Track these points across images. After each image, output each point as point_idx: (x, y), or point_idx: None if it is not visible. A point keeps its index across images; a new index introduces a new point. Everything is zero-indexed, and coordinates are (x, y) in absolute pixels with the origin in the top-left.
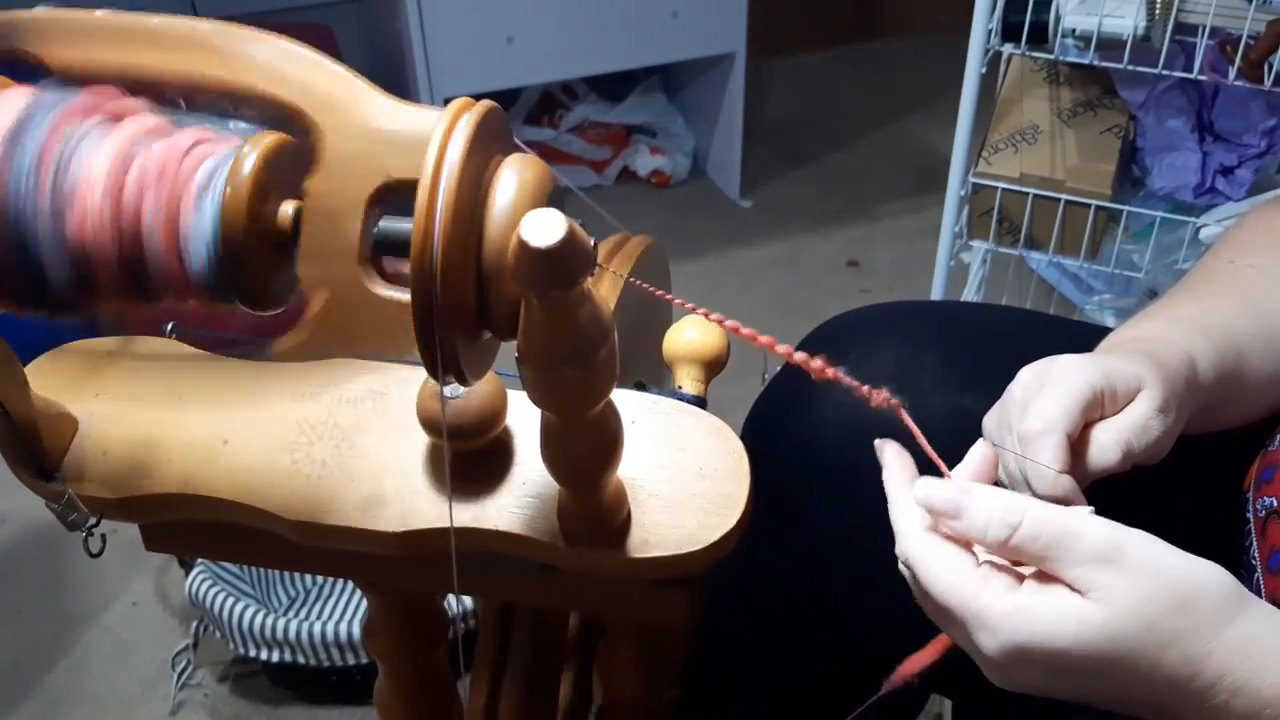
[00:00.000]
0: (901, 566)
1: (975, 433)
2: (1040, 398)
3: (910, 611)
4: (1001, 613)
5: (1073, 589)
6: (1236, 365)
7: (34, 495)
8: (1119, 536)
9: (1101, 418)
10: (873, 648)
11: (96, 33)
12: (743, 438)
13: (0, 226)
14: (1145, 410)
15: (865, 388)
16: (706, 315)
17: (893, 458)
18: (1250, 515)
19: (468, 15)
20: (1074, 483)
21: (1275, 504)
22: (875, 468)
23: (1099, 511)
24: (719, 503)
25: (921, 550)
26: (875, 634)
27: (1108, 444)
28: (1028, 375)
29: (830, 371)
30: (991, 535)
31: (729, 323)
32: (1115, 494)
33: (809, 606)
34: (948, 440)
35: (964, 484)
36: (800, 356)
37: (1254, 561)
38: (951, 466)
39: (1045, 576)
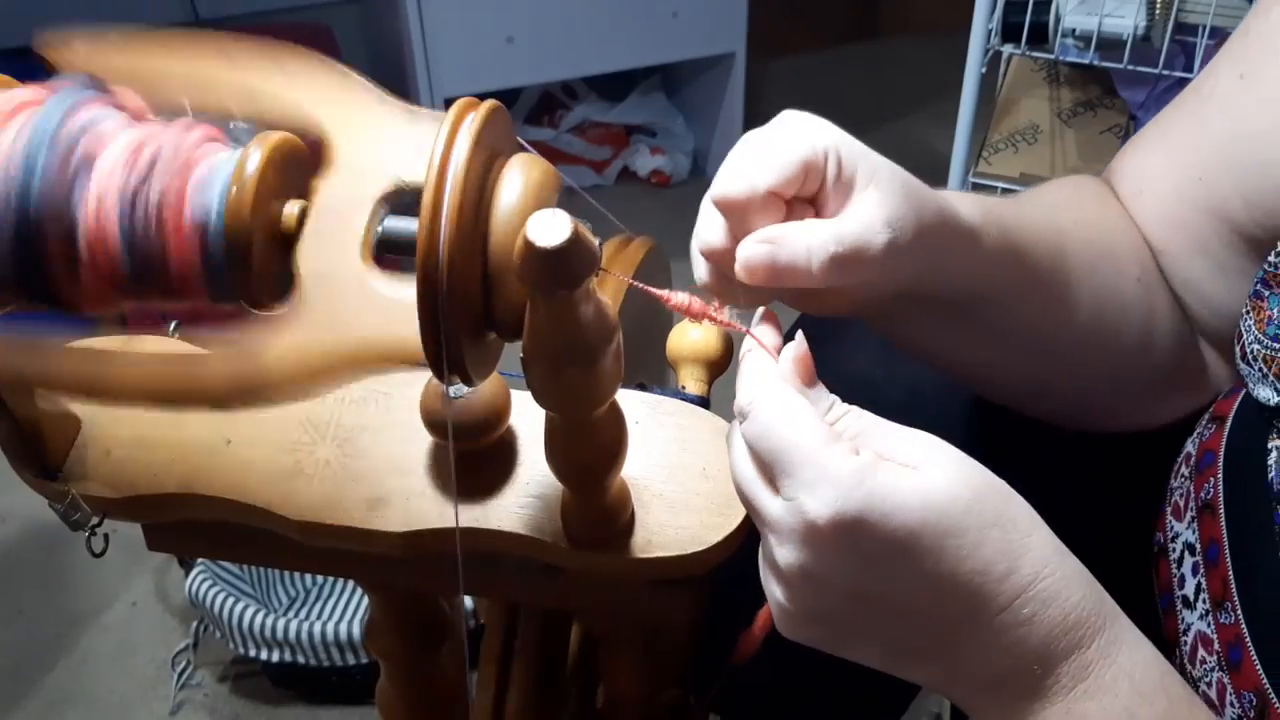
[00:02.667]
0: (741, 408)
1: (963, 406)
2: (751, 160)
3: None
4: (845, 468)
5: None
6: (1019, 271)
7: (34, 494)
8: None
9: (820, 195)
10: None
11: (104, 42)
12: None
13: (7, 222)
14: (873, 216)
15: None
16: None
17: (765, 332)
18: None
19: (468, 15)
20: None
21: (1161, 540)
22: None
23: None
24: (722, 503)
25: (773, 393)
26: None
27: (815, 247)
28: (753, 148)
29: (707, 310)
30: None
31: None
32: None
33: None
34: (936, 412)
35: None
36: (677, 300)
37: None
38: (928, 419)
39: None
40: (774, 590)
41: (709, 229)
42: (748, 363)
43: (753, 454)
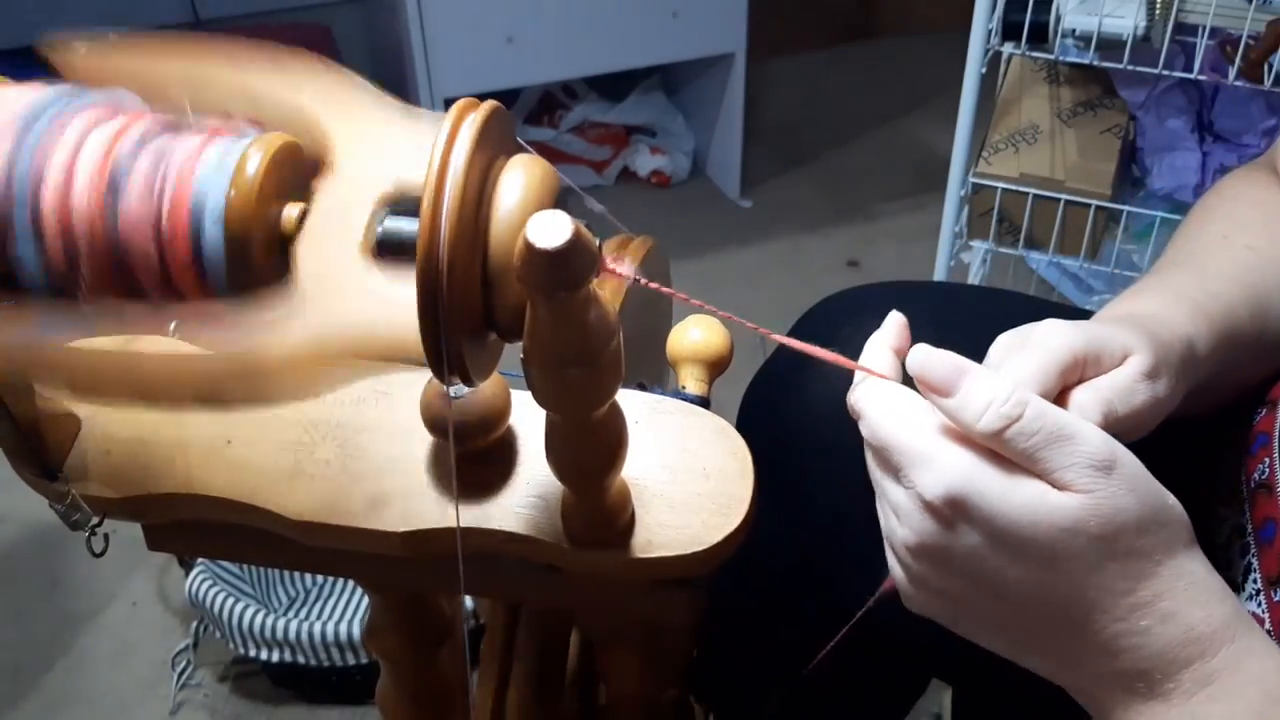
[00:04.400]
0: (852, 407)
1: None
2: (1014, 358)
3: None
4: (955, 457)
5: (1047, 481)
6: (1230, 352)
7: (34, 495)
8: (1115, 446)
9: (1081, 382)
10: (873, 617)
11: (106, 45)
12: (740, 415)
13: (4, 219)
14: (1131, 374)
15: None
16: (707, 309)
17: (891, 323)
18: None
19: (468, 15)
20: None
21: (1205, 525)
22: (863, 439)
23: None
24: (723, 503)
25: (877, 391)
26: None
27: (1087, 405)
28: (1006, 338)
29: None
30: (985, 423)
31: (726, 314)
32: None
33: (808, 579)
34: None
35: (963, 361)
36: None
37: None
38: None
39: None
40: (897, 569)
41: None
42: (864, 362)
43: (871, 448)
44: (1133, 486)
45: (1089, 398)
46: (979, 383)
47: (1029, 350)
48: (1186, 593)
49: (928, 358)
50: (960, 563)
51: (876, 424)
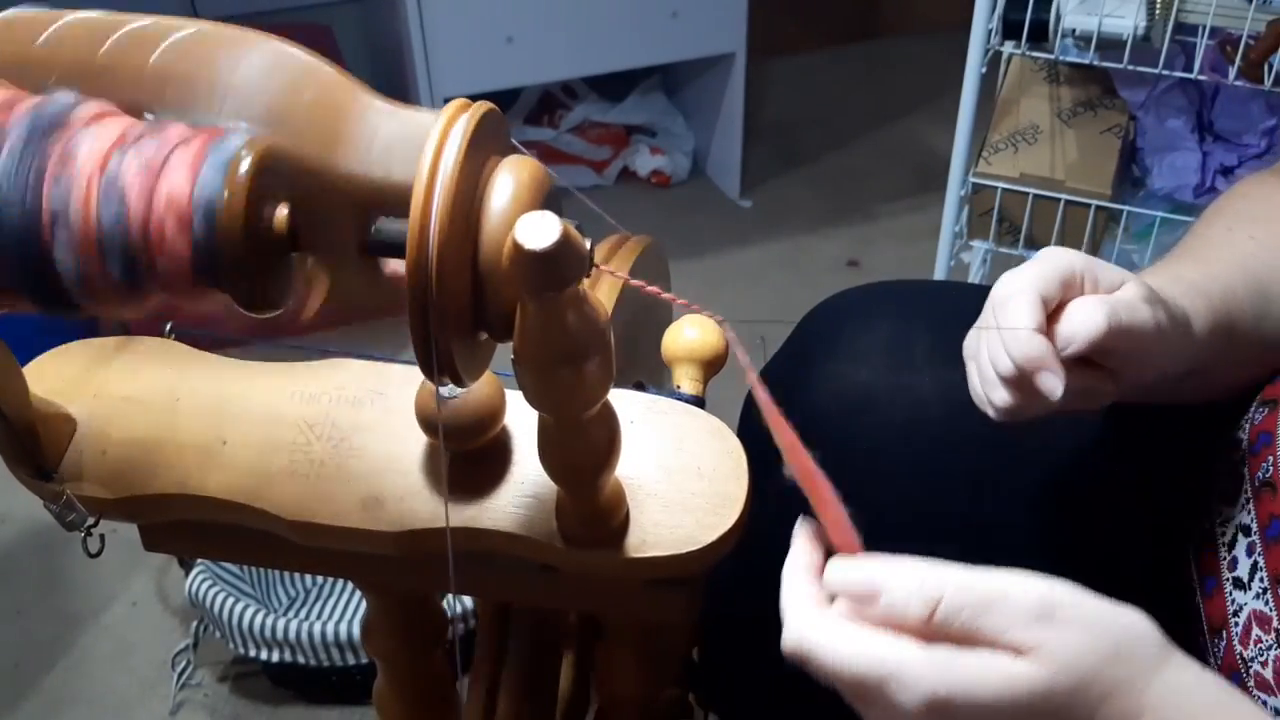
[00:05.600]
0: (793, 655)
1: (965, 407)
2: (1012, 271)
3: None
4: (917, 668)
5: (999, 649)
6: (1229, 334)
7: (34, 495)
8: (1047, 592)
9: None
10: None
11: (69, 34)
12: (741, 417)
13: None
14: (1135, 292)
15: None
16: (701, 311)
17: (801, 540)
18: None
19: (468, 15)
20: (1048, 345)
21: (1207, 525)
22: (869, 441)
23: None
24: (717, 502)
25: (811, 633)
26: None
27: (1090, 306)
28: (1008, 274)
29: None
30: (913, 614)
31: (719, 318)
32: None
33: None
34: (938, 413)
35: (876, 560)
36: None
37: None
38: (934, 436)
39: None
40: None
41: (1027, 317)
42: (784, 591)
43: (839, 686)
44: (1084, 623)
45: (1092, 302)
46: (894, 580)
47: (1028, 263)
48: (1182, 712)
49: (844, 575)
50: None
51: (831, 665)
